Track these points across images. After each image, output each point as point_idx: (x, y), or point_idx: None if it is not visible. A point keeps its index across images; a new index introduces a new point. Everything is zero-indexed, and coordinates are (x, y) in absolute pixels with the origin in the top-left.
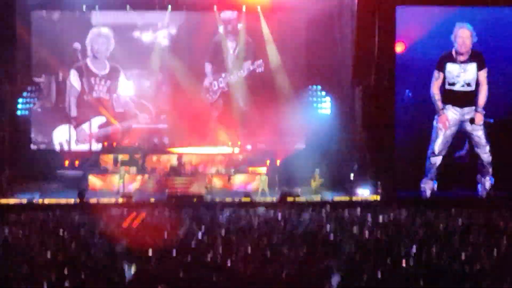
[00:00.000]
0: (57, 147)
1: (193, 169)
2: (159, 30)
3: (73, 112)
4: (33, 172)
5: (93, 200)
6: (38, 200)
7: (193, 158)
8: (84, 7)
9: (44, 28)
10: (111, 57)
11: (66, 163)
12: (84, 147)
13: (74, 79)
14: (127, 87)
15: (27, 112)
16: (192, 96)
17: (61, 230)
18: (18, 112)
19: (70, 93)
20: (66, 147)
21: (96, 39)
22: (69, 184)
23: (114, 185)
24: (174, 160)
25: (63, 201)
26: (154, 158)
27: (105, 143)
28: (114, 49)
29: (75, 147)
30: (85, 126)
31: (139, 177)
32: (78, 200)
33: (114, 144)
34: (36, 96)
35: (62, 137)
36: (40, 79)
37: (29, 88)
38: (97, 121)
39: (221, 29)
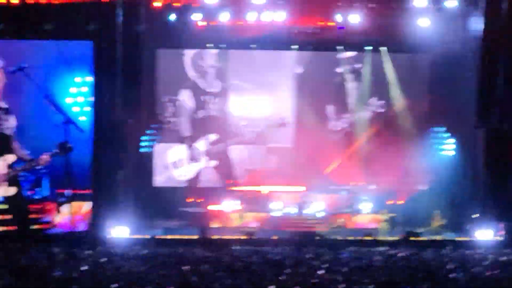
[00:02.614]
0: (171, 168)
1: (316, 209)
2: (283, 69)
3: (187, 132)
4: (156, 209)
5: (215, 237)
6: (161, 236)
7: (318, 198)
8: (209, 46)
9: (168, 65)
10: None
11: (189, 200)
12: (197, 165)
13: (186, 98)
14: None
15: (150, 150)
16: (315, 135)
17: (183, 265)
18: (141, 150)
19: (182, 113)
20: (180, 166)
21: (204, 56)
22: (191, 221)
23: (235, 222)
24: (297, 199)
25: (185, 237)
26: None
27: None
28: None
29: (187, 165)
30: (198, 144)
31: (260, 215)
32: (200, 237)
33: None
34: (159, 134)
35: (176, 156)
36: (166, 117)
37: (152, 126)
38: (210, 138)
39: (343, 69)
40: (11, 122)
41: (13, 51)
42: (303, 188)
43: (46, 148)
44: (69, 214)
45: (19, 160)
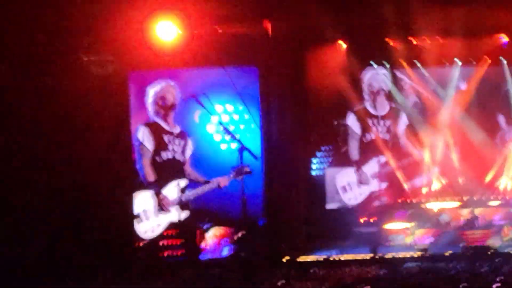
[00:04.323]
0: (341, 192)
1: (487, 222)
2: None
3: (355, 156)
4: (329, 230)
5: (388, 255)
6: (335, 257)
7: (487, 211)
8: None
9: None
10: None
11: (362, 220)
12: (368, 188)
13: (353, 122)
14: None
15: (321, 172)
16: (482, 149)
17: (358, 284)
18: (313, 173)
19: (351, 137)
20: (349, 190)
21: (375, 77)
22: (364, 240)
23: (407, 240)
24: (467, 213)
25: (358, 257)
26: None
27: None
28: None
29: (357, 189)
30: (366, 167)
31: (432, 231)
32: (372, 256)
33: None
34: (330, 155)
35: (344, 180)
36: (336, 141)
37: (322, 148)
38: (380, 160)
39: (509, 79)
40: (187, 147)
41: (182, 79)
42: (471, 202)
43: (216, 174)
44: (215, 239)
45: (192, 183)
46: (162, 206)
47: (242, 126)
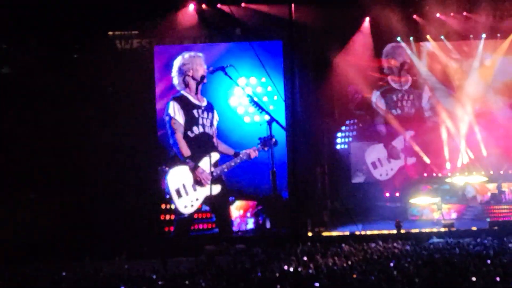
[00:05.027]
0: (371, 168)
1: None
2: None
3: (382, 131)
4: (354, 205)
5: (413, 230)
6: (360, 231)
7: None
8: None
9: None
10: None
11: (387, 194)
12: (396, 164)
13: (377, 97)
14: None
15: (346, 146)
16: (508, 123)
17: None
18: (338, 147)
19: (376, 112)
20: (379, 166)
21: (399, 51)
22: (389, 215)
23: (433, 215)
24: (493, 188)
25: (383, 232)
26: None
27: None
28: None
29: (387, 164)
30: (395, 142)
31: (458, 206)
32: (397, 231)
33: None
34: (354, 130)
35: (374, 156)
36: (359, 112)
37: (347, 122)
38: (407, 135)
39: None
40: (214, 119)
41: (207, 52)
42: (498, 176)
43: (239, 147)
44: (239, 212)
45: (223, 157)
46: (201, 181)
47: (265, 98)
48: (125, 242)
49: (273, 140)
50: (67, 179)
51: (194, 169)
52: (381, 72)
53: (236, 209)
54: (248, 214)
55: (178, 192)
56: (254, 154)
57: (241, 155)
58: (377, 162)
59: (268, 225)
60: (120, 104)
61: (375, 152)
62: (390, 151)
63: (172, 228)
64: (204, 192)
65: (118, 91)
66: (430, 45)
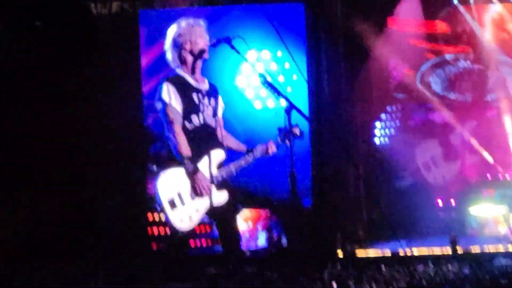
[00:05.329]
0: (422, 169)
1: None
2: None
3: (437, 121)
4: (397, 216)
5: (473, 249)
6: (405, 250)
7: None
8: None
9: None
10: None
11: (439, 202)
12: (456, 164)
13: (426, 77)
14: None
15: (387, 140)
16: None
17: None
18: (376, 141)
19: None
20: (434, 166)
21: None
22: (443, 229)
23: (498, 228)
24: None
25: (435, 251)
26: None
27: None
28: None
29: (443, 165)
30: (453, 136)
31: None
32: (452, 249)
33: None
34: (398, 118)
35: (426, 155)
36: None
37: (388, 109)
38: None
39: None
40: (218, 106)
41: (210, 20)
42: None
43: (248, 140)
44: (247, 224)
45: (231, 153)
46: (199, 190)
47: (281, 78)
48: (104, 260)
49: (297, 130)
50: (67, 179)
51: (193, 173)
52: (433, 42)
53: (244, 220)
54: (259, 227)
55: (171, 203)
56: (272, 149)
57: (255, 152)
58: (431, 162)
59: (285, 241)
60: (97, 86)
61: (428, 149)
62: (448, 148)
63: (162, 246)
64: (205, 201)
65: (94, 68)
66: (496, 8)
